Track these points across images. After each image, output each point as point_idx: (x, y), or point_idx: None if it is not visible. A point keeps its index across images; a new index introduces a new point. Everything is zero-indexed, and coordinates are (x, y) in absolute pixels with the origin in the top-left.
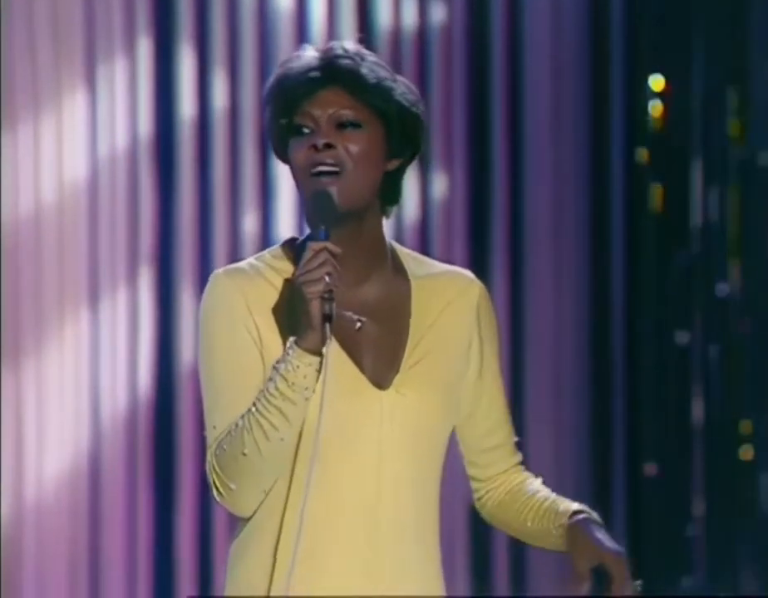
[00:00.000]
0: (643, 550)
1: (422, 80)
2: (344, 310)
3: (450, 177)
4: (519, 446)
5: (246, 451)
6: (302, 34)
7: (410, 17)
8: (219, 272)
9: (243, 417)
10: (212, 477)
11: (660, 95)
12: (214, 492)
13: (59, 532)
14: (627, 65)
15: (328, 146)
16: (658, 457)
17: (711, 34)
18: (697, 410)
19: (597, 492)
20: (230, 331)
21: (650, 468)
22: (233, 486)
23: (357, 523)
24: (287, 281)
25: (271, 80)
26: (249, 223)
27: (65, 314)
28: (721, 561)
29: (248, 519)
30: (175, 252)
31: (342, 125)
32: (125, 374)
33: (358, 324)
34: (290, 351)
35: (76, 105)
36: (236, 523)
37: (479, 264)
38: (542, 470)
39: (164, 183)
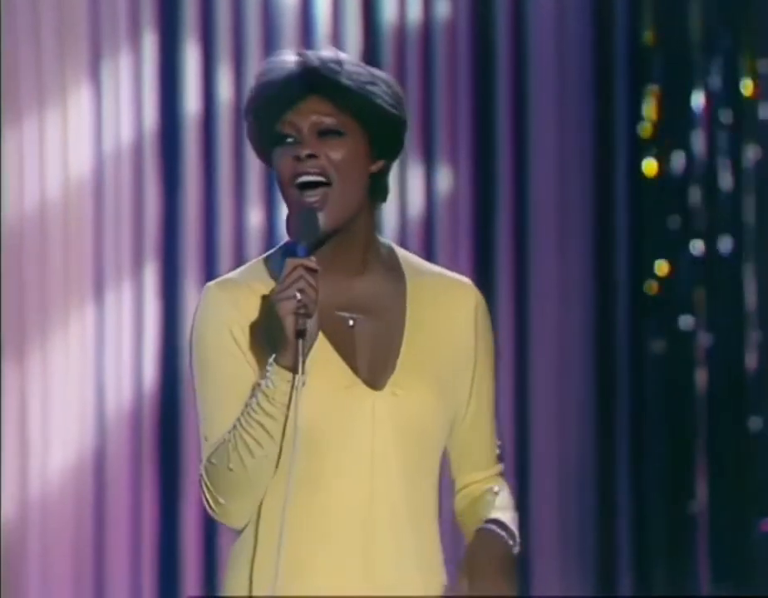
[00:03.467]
0: (648, 545)
1: (427, 75)
2: (337, 309)
3: (455, 172)
4: (500, 456)
5: (231, 466)
6: (306, 29)
7: (414, 12)
8: (211, 284)
9: (229, 432)
10: (203, 490)
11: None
12: (206, 506)
13: (63, 527)
14: (631, 58)
15: (311, 156)
16: (662, 452)
17: (713, 31)
18: (703, 406)
19: (601, 490)
20: (222, 346)
21: (655, 463)
22: (221, 500)
23: (352, 521)
24: (264, 298)
25: (251, 90)
26: (254, 217)
27: (70, 308)
28: (723, 557)
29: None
30: (180, 246)
31: (323, 133)
32: (130, 369)
33: (351, 322)
34: (269, 368)
35: (81, 100)
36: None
37: (483, 259)
38: (545, 466)
39: (169, 177)
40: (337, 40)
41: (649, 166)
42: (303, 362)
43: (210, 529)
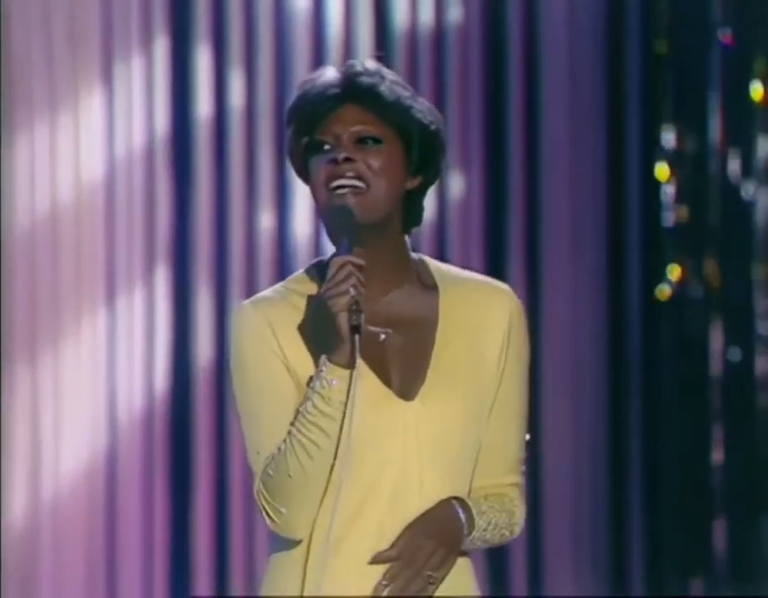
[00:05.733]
0: (660, 546)
1: (438, 79)
2: (368, 324)
3: (466, 178)
4: (526, 470)
5: (291, 473)
6: (318, 33)
7: (426, 16)
8: (245, 303)
9: (284, 440)
10: (262, 504)
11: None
12: (266, 519)
13: (75, 530)
14: (644, 61)
15: (348, 160)
16: (675, 453)
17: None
18: (718, 406)
19: (613, 491)
20: (261, 361)
21: (668, 464)
22: (283, 510)
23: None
24: (310, 300)
25: (293, 99)
26: (266, 221)
27: (81, 313)
28: (736, 560)
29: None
30: (192, 250)
31: (362, 141)
32: (142, 373)
33: (382, 336)
34: (323, 367)
35: (93, 104)
36: (271, 534)
37: (495, 265)
38: (558, 467)
39: (181, 181)
40: (348, 44)
41: (662, 170)
42: (358, 357)
43: (221, 532)
